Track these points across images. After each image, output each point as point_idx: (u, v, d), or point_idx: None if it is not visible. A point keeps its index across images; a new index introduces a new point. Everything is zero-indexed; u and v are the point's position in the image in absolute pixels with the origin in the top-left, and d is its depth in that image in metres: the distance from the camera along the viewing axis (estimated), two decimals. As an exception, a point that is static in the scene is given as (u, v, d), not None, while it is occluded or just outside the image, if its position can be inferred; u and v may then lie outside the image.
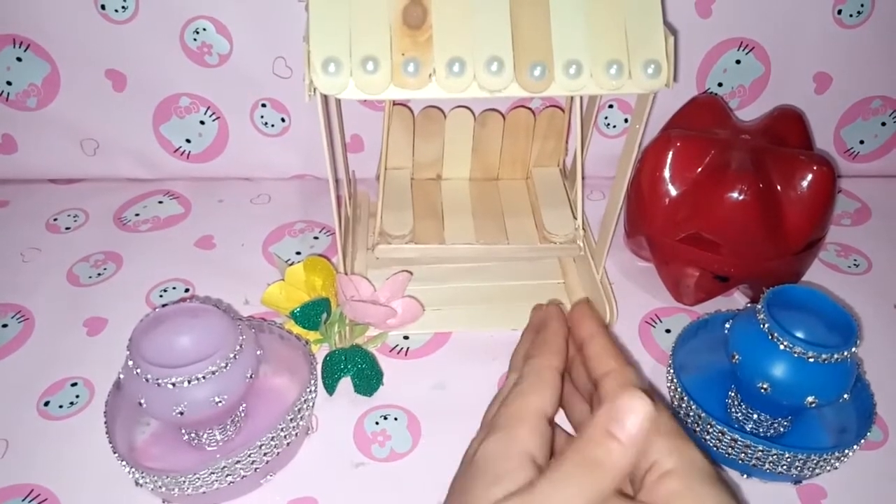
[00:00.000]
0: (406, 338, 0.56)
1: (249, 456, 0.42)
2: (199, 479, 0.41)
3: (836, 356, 0.41)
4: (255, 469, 0.43)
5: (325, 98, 0.45)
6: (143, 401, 0.41)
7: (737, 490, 0.46)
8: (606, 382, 0.39)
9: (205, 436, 0.45)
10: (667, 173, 0.56)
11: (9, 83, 0.65)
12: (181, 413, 0.40)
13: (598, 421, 0.31)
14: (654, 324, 0.58)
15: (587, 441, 0.31)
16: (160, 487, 0.42)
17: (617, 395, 0.31)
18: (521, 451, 0.34)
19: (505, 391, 0.42)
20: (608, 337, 0.42)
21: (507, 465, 0.34)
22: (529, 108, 0.65)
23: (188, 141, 0.70)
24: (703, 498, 0.33)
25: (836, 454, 0.43)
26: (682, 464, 0.34)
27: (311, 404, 0.48)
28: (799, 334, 0.42)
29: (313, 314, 0.53)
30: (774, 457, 0.43)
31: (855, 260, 0.65)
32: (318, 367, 0.52)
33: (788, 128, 0.60)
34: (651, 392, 0.38)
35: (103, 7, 0.61)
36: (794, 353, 0.41)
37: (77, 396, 0.51)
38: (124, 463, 0.42)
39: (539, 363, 0.41)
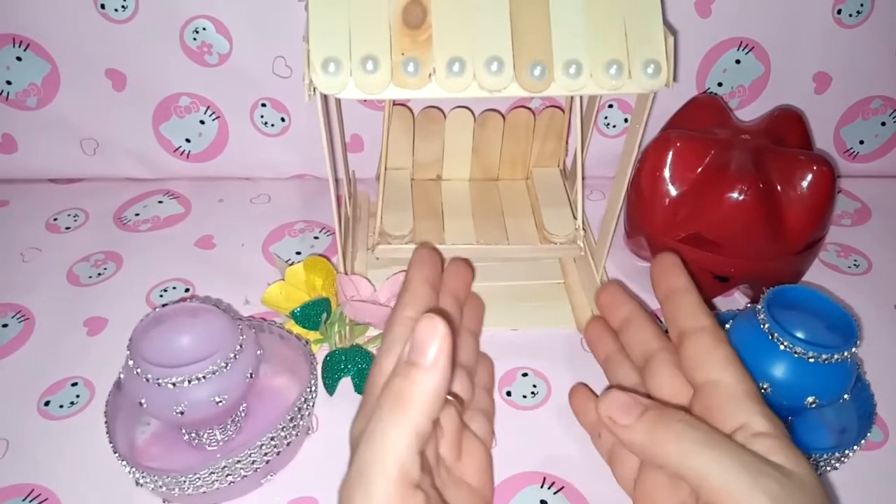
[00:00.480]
0: (406, 338, 0.56)
1: (250, 456, 0.43)
2: (199, 478, 0.42)
3: (836, 356, 0.41)
4: (256, 469, 0.43)
5: (325, 98, 0.45)
6: (143, 400, 0.41)
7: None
8: (700, 337, 0.38)
9: (205, 435, 0.45)
10: (667, 173, 0.56)
11: (8, 82, 0.65)
12: (181, 413, 0.40)
13: (401, 355, 0.31)
14: (654, 324, 0.58)
15: (392, 379, 0.31)
16: (160, 487, 0.42)
17: (418, 323, 0.30)
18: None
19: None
20: (698, 293, 0.41)
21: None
22: (529, 109, 0.65)
23: (188, 140, 0.70)
24: (799, 459, 0.33)
25: (837, 454, 0.43)
26: (774, 428, 0.34)
27: (311, 404, 0.48)
28: (799, 334, 0.42)
29: (313, 314, 0.53)
30: (774, 457, 0.43)
31: (855, 260, 0.65)
32: (319, 367, 0.52)
33: (788, 128, 0.60)
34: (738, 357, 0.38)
35: (103, 6, 0.61)
36: (795, 353, 0.41)
37: (77, 396, 0.51)
38: (124, 463, 0.42)
39: (396, 319, 0.41)
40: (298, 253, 0.64)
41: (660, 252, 0.58)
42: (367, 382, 0.39)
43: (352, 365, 0.51)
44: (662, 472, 0.38)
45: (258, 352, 0.45)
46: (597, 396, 0.48)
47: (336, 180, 0.51)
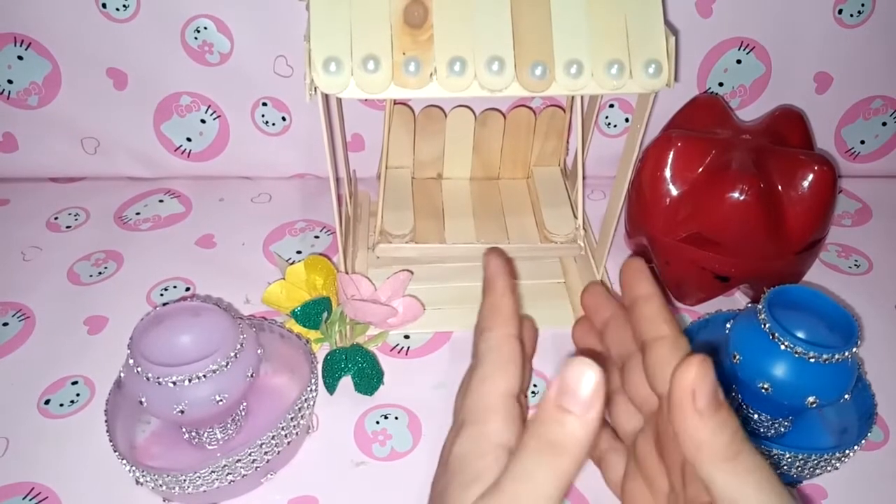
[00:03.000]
0: (407, 337, 0.56)
1: (250, 455, 0.43)
2: (199, 477, 0.42)
3: (836, 356, 0.41)
4: (256, 468, 0.43)
5: (326, 97, 0.45)
6: (143, 399, 0.41)
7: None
8: (659, 348, 0.37)
9: (205, 434, 0.45)
10: (668, 173, 0.56)
11: (10, 81, 0.65)
12: (182, 412, 0.40)
13: (548, 397, 0.29)
14: (654, 323, 0.58)
15: (541, 423, 0.30)
16: (161, 486, 0.42)
17: (565, 365, 0.29)
18: (494, 445, 0.33)
19: (468, 376, 0.39)
20: (663, 300, 0.40)
21: (482, 462, 0.33)
22: (530, 108, 0.65)
23: (189, 140, 0.70)
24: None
25: (837, 454, 0.43)
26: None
27: (311, 403, 0.48)
28: (800, 334, 0.42)
29: (314, 313, 0.53)
30: (775, 457, 0.43)
31: (856, 260, 0.65)
32: (319, 366, 0.52)
33: (789, 128, 0.60)
34: (709, 364, 0.36)
35: (104, 6, 0.61)
36: (795, 353, 0.41)
37: (77, 395, 0.51)
38: (125, 461, 0.42)
39: (494, 336, 0.38)
40: (299, 252, 0.64)
41: (661, 252, 0.58)
42: (468, 402, 0.36)
43: (352, 364, 0.51)
44: (644, 482, 0.38)
45: (258, 351, 0.45)
46: None
47: (337, 179, 0.51)
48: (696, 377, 0.30)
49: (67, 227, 0.66)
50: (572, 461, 0.29)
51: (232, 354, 0.42)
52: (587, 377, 0.28)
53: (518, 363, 0.37)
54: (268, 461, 0.44)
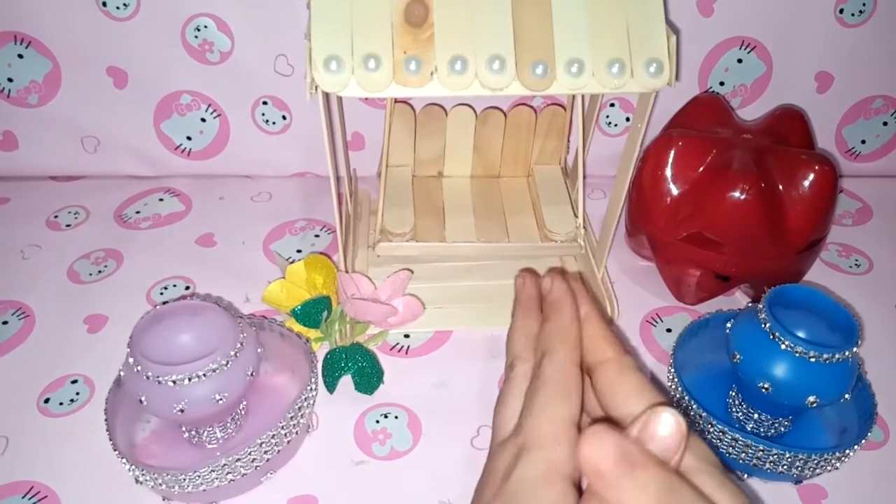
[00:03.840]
0: (407, 336, 0.56)
1: (250, 454, 0.42)
2: (199, 476, 0.41)
3: (837, 356, 0.41)
4: (256, 467, 0.43)
5: (327, 96, 0.45)
6: (143, 398, 0.41)
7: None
8: (605, 371, 0.37)
9: (205, 433, 0.45)
10: (668, 172, 0.56)
11: (10, 80, 0.65)
12: (181, 411, 0.40)
13: (634, 430, 0.30)
14: (655, 323, 0.58)
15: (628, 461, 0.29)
16: (160, 485, 0.42)
17: (648, 415, 0.29)
18: (562, 476, 0.33)
19: (515, 389, 0.39)
20: (602, 319, 0.40)
21: (552, 492, 0.32)
22: (531, 107, 0.65)
23: (189, 138, 0.69)
24: (725, 487, 0.31)
25: (837, 454, 0.43)
26: (697, 460, 0.32)
27: (311, 402, 0.48)
28: (800, 334, 0.42)
29: (314, 312, 0.53)
30: (775, 457, 0.43)
31: (856, 260, 0.65)
32: (319, 366, 0.52)
33: (790, 127, 0.60)
34: (648, 378, 0.36)
35: (105, 4, 0.61)
36: (796, 352, 0.41)
37: (77, 394, 0.51)
38: (124, 460, 0.42)
39: (561, 360, 0.38)
40: (299, 251, 0.64)
41: (661, 251, 0.58)
42: (527, 422, 0.36)
43: (352, 363, 0.51)
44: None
45: (258, 350, 0.45)
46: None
47: (337, 178, 0.51)
48: (592, 455, 0.29)
49: (67, 225, 0.66)
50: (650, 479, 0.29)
51: (232, 353, 0.42)
52: (667, 425, 0.29)
53: (580, 393, 0.37)
54: (268, 460, 0.44)
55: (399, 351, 0.55)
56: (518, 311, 0.45)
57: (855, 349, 0.41)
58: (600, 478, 0.29)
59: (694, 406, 0.46)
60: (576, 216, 0.61)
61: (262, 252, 0.64)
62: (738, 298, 0.60)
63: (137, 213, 0.68)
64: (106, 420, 0.44)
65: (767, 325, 0.42)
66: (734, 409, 0.47)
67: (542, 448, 0.34)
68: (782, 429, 0.46)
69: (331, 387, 0.51)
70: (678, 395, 0.47)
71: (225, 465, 0.42)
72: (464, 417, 0.50)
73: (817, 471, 0.44)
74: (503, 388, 0.41)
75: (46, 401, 0.50)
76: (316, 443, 0.48)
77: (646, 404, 0.35)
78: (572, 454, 0.34)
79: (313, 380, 0.47)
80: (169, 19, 0.62)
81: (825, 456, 0.43)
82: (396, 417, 0.50)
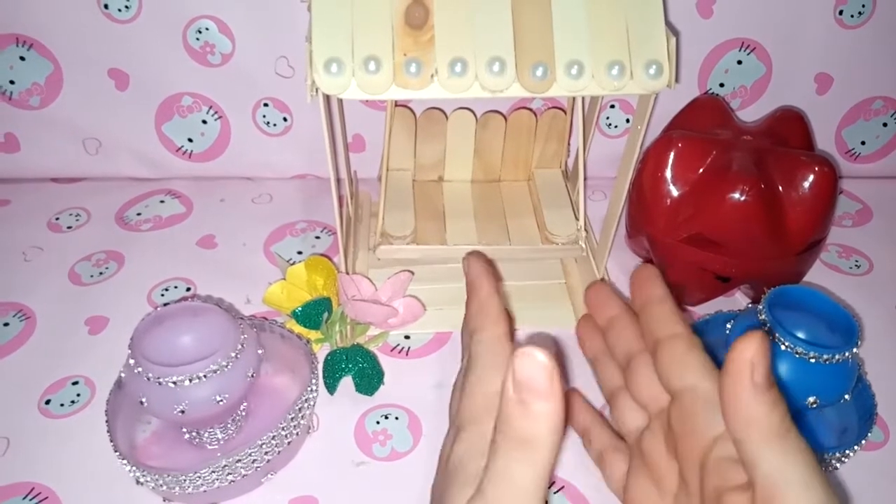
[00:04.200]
0: (407, 337, 0.56)
1: (250, 455, 0.43)
2: (199, 477, 0.42)
3: (837, 357, 0.41)
4: (256, 468, 0.43)
5: (327, 98, 0.45)
6: (144, 399, 0.41)
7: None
8: (674, 345, 0.37)
9: (206, 434, 0.45)
10: (668, 174, 0.56)
11: (12, 82, 0.65)
12: (182, 412, 0.40)
13: (506, 394, 0.29)
14: (655, 324, 0.58)
15: (506, 421, 0.29)
16: (161, 486, 0.42)
17: (515, 357, 0.28)
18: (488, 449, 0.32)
19: (461, 378, 0.39)
20: (675, 303, 0.40)
21: (480, 462, 0.32)
22: (531, 110, 0.65)
23: (190, 140, 0.70)
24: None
25: (837, 455, 0.43)
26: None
27: (312, 403, 0.48)
28: (800, 335, 0.42)
29: (314, 313, 0.53)
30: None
31: (856, 261, 0.65)
32: (319, 367, 0.52)
33: (790, 128, 0.60)
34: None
35: (106, 7, 0.62)
36: (796, 353, 0.41)
37: (78, 395, 0.51)
38: (125, 461, 0.42)
39: (486, 338, 0.38)
40: (300, 252, 0.64)
41: (661, 252, 0.58)
42: (463, 405, 0.36)
43: (353, 364, 0.51)
44: (650, 480, 0.38)
45: (259, 351, 0.45)
46: (589, 403, 0.48)
47: (338, 180, 0.51)
48: (756, 352, 0.30)
49: (68, 227, 0.66)
50: (546, 452, 0.29)
51: (232, 355, 0.42)
52: (539, 365, 0.28)
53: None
54: (268, 461, 0.44)
55: (400, 352, 0.55)
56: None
57: (855, 350, 0.42)
58: (744, 375, 0.30)
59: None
60: (576, 218, 0.61)
61: (262, 254, 0.64)
62: (738, 299, 0.61)
63: (139, 214, 0.68)
64: (107, 421, 0.44)
65: (767, 325, 0.42)
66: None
67: (473, 423, 0.35)
68: (782, 430, 0.46)
69: (331, 388, 0.51)
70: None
71: (225, 466, 0.42)
72: (464, 418, 0.50)
73: (817, 471, 0.44)
74: (456, 379, 0.42)
75: (47, 402, 0.50)
76: (316, 444, 0.48)
77: (715, 379, 0.35)
78: None
79: (314, 381, 0.47)
80: (170, 21, 0.63)
81: (825, 456, 0.43)
82: (397, 418, 0.50)
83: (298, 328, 0.53)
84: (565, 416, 0.29)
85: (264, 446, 0.43)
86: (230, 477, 0.43)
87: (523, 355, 0.28)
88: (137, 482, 0.44)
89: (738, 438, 0.31)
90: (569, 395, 0.49)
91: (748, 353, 0.30)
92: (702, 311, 0.58)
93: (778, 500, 0.29)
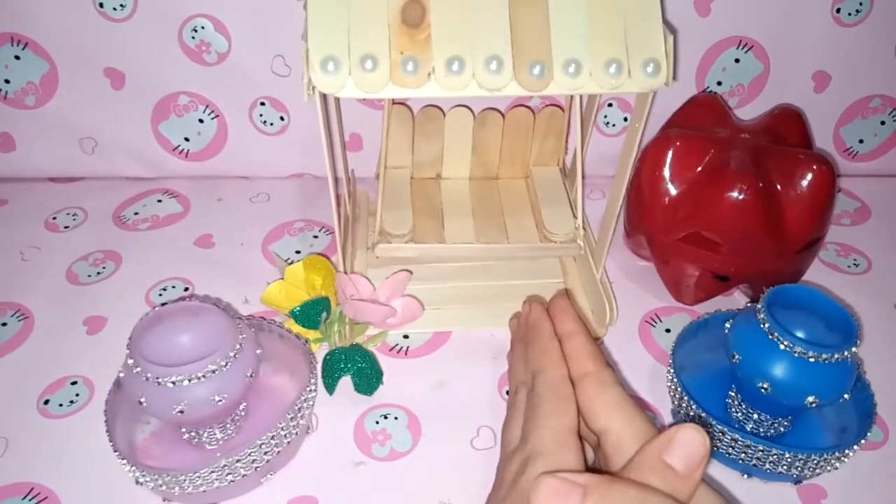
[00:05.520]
0: (406, 337, 0.56)
1: (249, 455, 0.42)
2: (199, 477, 0.41)
3: (836, 356, 0.41)
4: (256, 468, 0.43)
5: (324, 96, 0.45)
6: (143, 399, 0.41)
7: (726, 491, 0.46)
8: (586, 385, 0.40)
9: (205, 434, 0.45)
10: (666, 172, 0.56)
11: (7, 81, 0.65)
12: (181, 412, 0.40)
13: (654, 447, 0.32)
14: (654, 323, 0.58)
15: (644, 467, 0.32)
16: (160, 486, 0.42)
17: (675, 428, 0.32)
18: None
19: (520, 408, 0.42)
20: (586, 335, 0.43)
21: None
22: (529, 107, 0.65)
23: (187, 139, 0.69)
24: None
25: (837, 454, 0.43)
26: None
27: (311, 403, 0.48)
28: (799, 334, 0.42)
29: (313, 313, 0.53)
30: (775, 457, 0.43)
31: (855, 259, 0.65)
32: (318, 366, 0.52)
33: (788, 127, 0.60)
34: (627, 392, 0.39)
35: (101, 5, 0.61)
36: (795, 352, 0.41)
37: (77, 395, 0.51)
38: (124, 461, 0.42)
39: (551, 377, 0.41)
40: (298, 252, 0.64)
41: (660, 251, 0.58)
42: (536, 436, 0.38)
43: (351, 364, 0.51)
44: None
45: (258, 351, 0.45)
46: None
47: (335, 179, 0.51)
48: (539, 498, 0.30)
49: (66, 227, 0.66)
50: None
51: (231, 354, 0.42)
52: (700, 446, 0.31)
53: (574, 402, 0.40)
54: (267, 461, 0.44)
55: (398, 352, 0.55)
56: (515, 346, 0.49)
57: (854, 349, 0.42)
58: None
59: (693, 406, 0.46)
60: (575, 217, 0.61)
61: (260, 253, 0.64)
62: (737, 298, 0.61)
63: (136, 214, 0.68)
64: (106, 421, 0.44)
65: (766, 325, 0.42)
66: (733, 410, 0.47)
67: (547, 454, 0.37)
68: (782, 429, 0.46)
69: (330, 388, 0.51)
70: (677, 396, 0.47)
71: (225, 465, 0.42)
72: (463, 418, 0.50)
73: (817, 471, 0.44)
74: (508, 411, 0.44)
75: (46, 402, 0.50)
76: (315, 444, 0.48)
77: (624, 418, 0.38)
78: (578, 458, 0.36)
79: (313, 381, 0.47)
80: (166, 20, 0.62)
81: (825, 456, 0.43)
82: (396, 418, 0.50)
83: (297, 328, 0.53)
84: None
85: (263, 446, 0.43)
86: (229, 477, 0.42)
87: (692, 429, 0.31)
88: (137, 482, 0.43)
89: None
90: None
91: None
92: (701, 310, 0.58)
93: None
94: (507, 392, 0.51)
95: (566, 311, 0.45)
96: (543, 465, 0.36)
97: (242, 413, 0.47)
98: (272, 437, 0.43)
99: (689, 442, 0.31)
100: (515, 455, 0.39)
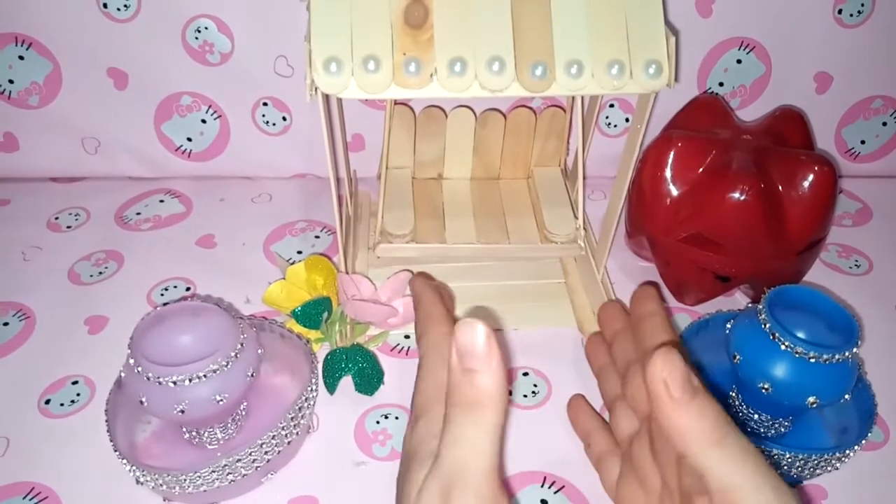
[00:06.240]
0: (407, 337, 0.56)
1: (250, 454, 0.43)
2: (199, 477, 0.42)
3: (837, 356, 0.41)
4: (256, 468, 0.43)
5: (327, 97, 0.45)
6: (144, 399, 0.41)
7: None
8: (655, 354, 0.38)
9: (206, 434, 0.45)
10: (668, 173, 0.56)
11: (11, 81, 0.65)
12: (182, 411, 0.40)
13: (452, 365, 0.31)
14: (654, 324, 0.58)
15: (454, 390, 0.31)
16: (161, 486, 0.42)
17: (455, 329, 0.31)
18: (440, 428, 0.33)
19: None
20: (667, 318, 0.43)
21: (432, 443, 0.34)
22: (531, 108, 0.65)
23: (189, 140, 0.70)
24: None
25: (837, 455, 0.43)
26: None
27: (311, 403, 0.48)
28: (800, 334, 0.42)
29: (314, 313, 0.53)
30: (775, 457, 0.43)
31: (856, 261, 0.65)
32: (319, 366, 0.52)
33: (790, 128, 0.60)
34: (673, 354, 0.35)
35: (105, 6, 0.61)
36: (796, 353, 0.41)
37: (78, 395, 0.51)
38: (125, 461, 0.42)
39: (432, 338, 0.41)
40: (299, 252, 0.64)
41: (661, 252, 0.58)
42: (416, 399, 0.39)
43: (352, 364, 0.51)
44: (637, 481, 0.39)
45: (259, 351, 0.45)
46: (592, 408, 0.49)
47: (337, 179, 0.51)
48: (662, 367, 0.32)
49: (68, 227, 0.66)
50: (494, 412, 0.31)
51: (232, 354, 0.42)
52: (477, 333, 0.30)
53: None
54: (268, 461, 0.44)
55: (399, 352, 0.55)
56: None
57: (855, 350, 0.41)
58: (663, 398, 0.31)
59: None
60: (576, 217, 0.61)
61: (262, 253, 0.64)
62: (738, 299, 0.61)
63: (138, 214, 0.68)
64: (107, 421, 0.44)
65: (767, 325, 0.42)
66: (734, 410, 0.47)
67: (427, 410, 0.37)
68: (782, 429, 0.46)
69: (331, 387, 0.51)
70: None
71: (225, 465, 0.42)
72: (464, 418, 0.50)
73: (817, 471, 0.44)
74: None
75: (47, 402, 0.50)
76: (316, 443, 0.48)
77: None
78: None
79: (313, 380, 0.47)
80: (169, 20, 0.63)
81: (825, 456, 0.43)
82: (397, 418, 0.50)
83: (298, 328, 0.53)
84: (507, 378, 0.31)
85: (264, 446, 0.43)
86: (230, 477, 0.43)
87: (462, 325, 0.31)
88: (137, 482, 0.44)
89: (680, 452, 0.32)
90: (576, 399, 0.50)
91: (655, 372, 0.32)
92: (702, 310, 0.58)
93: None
94: (508, 392, 0.51)
95: (652, 295, 0.45)
96: (423, 422, 0.36)
97: (243, 413, 0.47)
98: (273, 437, 0.43)
99: (473, 338, 0.30)
100: (407, 426, 0.39)
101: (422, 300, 0.44)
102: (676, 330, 0.43)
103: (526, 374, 0.53)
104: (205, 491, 0.42)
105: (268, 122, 0.69)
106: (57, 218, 0.67)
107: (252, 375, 0.43)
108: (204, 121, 0.68)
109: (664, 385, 0.32)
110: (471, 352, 0.30)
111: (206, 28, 0.63)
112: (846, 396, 0.43)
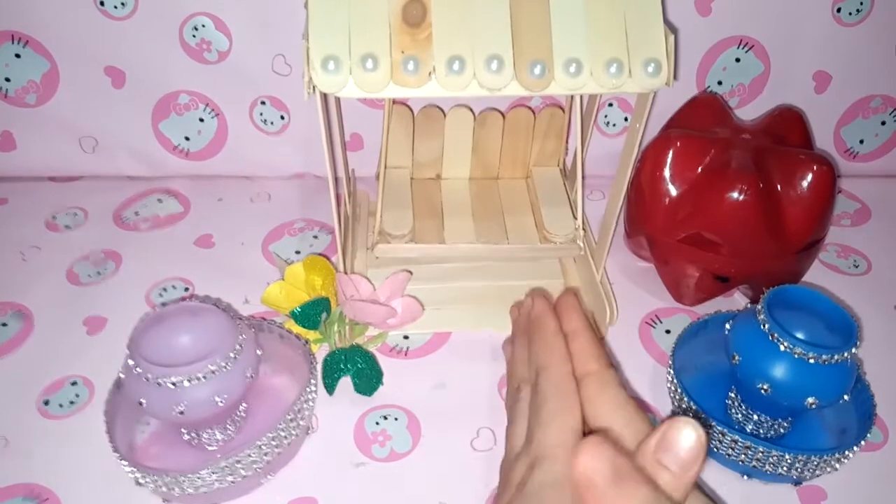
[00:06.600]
0: (406, 337, 0.56)
1: (250, 455, 0.42)
2: (199, 478, 0.41)
3: (836, 357, 0.41)
4: (256, 469, 0.43)
5: (325, 96, 0.45)
6: (143, 400, 0.41)
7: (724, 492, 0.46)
8: (588, 384, 0.40)
9: (205, 435, 0.45)
10: (667, 173, 0.56)
11: (7, 80, 0.65)
12: (181, 412, 0.40)
13: (647, 447, 0.31)
14: (654, 324, 0.58)
15: (635, 470, 0.31)
16: (160, 487, 0.42)
17: (668, 425, 0.31)
18: (566, 477, 0.34)
19: (523, 407, 0.42)
20: (591, 334, 0.43)
21: (564, 496, 0.34)
22: (529, 107, 0.65)
23: (187, 138, 0.69)
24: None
25: (837, 455, 0.43)
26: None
27: (311, 404, 0.48)
28: (799, 335, 0.42)
29: (313, 314, 0.53)
30: (775, 458, 0.43)
31: (855, 261, 0.65)
32: (318, 367, 0.52)
33: (788, 127, 0.60)
34: (628, 394, 0.39)
35: (102, 4, 0.61)
36: (795, 353, 0.41)
37: (77, 395, 0.51)
38: (124, 462, 0.42)
39: (555, 374, 0.41)
40: (298, 252, 0.64)
41: (660, 252, 0.58)
42: (537, 434, 0.38)
43: (351, 364, 0.51)
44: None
45: (258, 351, 0.45)
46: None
47: (336, 179, 0.50)
48: (590, 460, 0.32)
49: (66, 226, 0.66)
50: None
51: (231, 355, 0.42)
52: (687, 437, 0.30)
53: (578, 400, 0.39)
54: (267, 462, 0.44)
55: (398, 352, 0.55)
56: (517, 339, 0.48)
57: (854, 350, 0.42)
58: (591, 488, 0.31)
59: (693, 407, 0.46)
60: (575, 217, 0.61)
61: (261, 253, 0.64)
62: (737, 299, 0.60)
63: (136, 214, 0.68)
64: (106, 422, 0.44)
65: (766, 326, 0.42)
66: (733, 411, 0.47)
67: (553, 458, 0.36)
68: (782, 430, 0.46)
69: (330, 388, 0.51)
70: (677, 397, 0.47)
71: (225, 466, 0.42)
72: (463, 419, 0.50)
73: (817, 472, 0.44)
74: (512, 410, 0.43)
75: (46, 402, 0.50)
76: (316, 444, 0.48)
77: (624, 419, 0.38)
78: None
79: (313, 381, 0.47)
80: (167, 18, 0.62)
81: (825, 457, 0.43)
82: (396, 419, 0.50)
83: (297, 328, 0.53)
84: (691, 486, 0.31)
85: (263, 447, 0.43)
86: (230, 478, 0.42)
87: (680, 422, 0.31)
88: (137, 483, 0.43)
89: None
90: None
91: (586, 463, 0.32)
92: (701, 311, 0.58)
93: None
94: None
95: (573, 308, 0.45)
96: (549, 467, 0.36)
97: (242, 414, 0.47)
98: (272, 438, 0.43)
99: (681, 440, 0.31)
100: (521, 456, 0.39)
101: (544, 327, 0.44)
102: (606, 348, 0.44)
103: (525, 374, 0.53)
104: (204, 492, 0.42)
105: (266, 120, 0.69)
106: (55, 217, 0.67)
107: (251, 376, 0.43)
108: (202, 119, 0.68)
109: (591, 478, 0.32)
110: (674, 453, 0.31)
111: (203, 26, 0.63)
112: (845, 397, 0.43)
